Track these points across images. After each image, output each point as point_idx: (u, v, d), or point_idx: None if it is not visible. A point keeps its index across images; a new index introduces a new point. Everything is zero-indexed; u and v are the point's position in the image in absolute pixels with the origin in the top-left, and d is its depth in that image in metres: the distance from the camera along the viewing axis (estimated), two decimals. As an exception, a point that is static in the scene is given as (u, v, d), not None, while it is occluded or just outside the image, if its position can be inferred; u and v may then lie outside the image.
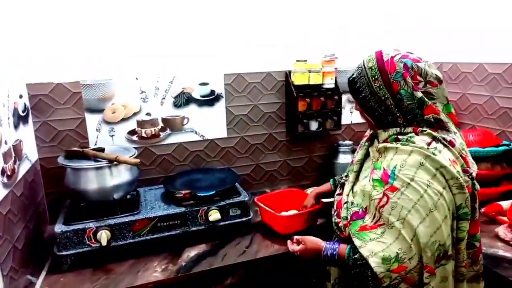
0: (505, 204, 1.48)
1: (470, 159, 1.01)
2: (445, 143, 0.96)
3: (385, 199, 0.94)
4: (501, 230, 1.37)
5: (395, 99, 0.99)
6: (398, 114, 1.00)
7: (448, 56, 2.01)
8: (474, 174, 0.99)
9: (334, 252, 1.04)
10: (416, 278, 0.93)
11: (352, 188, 1.10)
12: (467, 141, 1.63)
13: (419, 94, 0.97)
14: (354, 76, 1.06)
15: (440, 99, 1.01)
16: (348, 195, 1.08)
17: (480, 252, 0.99)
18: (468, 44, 1.91)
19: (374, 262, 0.92)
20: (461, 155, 0.97)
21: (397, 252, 0.91)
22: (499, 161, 1.66)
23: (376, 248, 0.93)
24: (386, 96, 0.99)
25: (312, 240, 1.12)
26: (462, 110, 1.96)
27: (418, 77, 0.98)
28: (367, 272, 0.95)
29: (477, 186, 1.00)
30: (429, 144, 0.94)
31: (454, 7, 1.96)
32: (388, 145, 1.00)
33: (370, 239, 0.96)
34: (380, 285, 0.94)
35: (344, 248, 1.03)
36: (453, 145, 0.96)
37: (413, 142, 0.95)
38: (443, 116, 1.00)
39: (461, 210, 0.93)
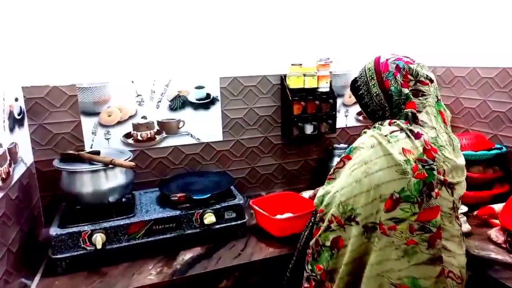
0: (497, 207, 1.49)
1: (443, 153, 1.07)
2: (409, 134, 1.06)
3: (341, 163, 1.15)
4: (493, 233, 1.38)
5: (386, 95, 1.14)
6: (387, 108, 1.16)
7: (441, 60, 2.03)
8: (445, 168, 1.06)
9: None
10: (327, 221, 1.13)
11: None
12: (460, 145, 1.65)
13: (406, 91, 1.11)
14: (356, 77, 1.25)
15: (431, 96, 1.12)
16: None
17: (438, 238, 1.04)
18: (461, 48, 1.94)
19: (317, 196, 1.19)
20: (425, 147, 1.04)
21: (323, 195, 1.16)
22: (491, 164, 1.68)
23: (320, 192, 1.19)
24: (378, 92, 1.16)
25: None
26: (455, 114, 1.98)
27: (409, 77, 1.12)
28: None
29: (445, 178, 1.06)
30: (392, 132, 1.08)
31: (447, 12, 1.98)
32: (366, 130, 1.18)
33: (322, 187, 1.21)
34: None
35: None
36: (418, 137, 1.05)
37: (380, 130, 1.10)
38: (429, 111, 1.11)
39: (403, 193, 1.02)
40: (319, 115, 1.87)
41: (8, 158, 1.23)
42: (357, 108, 2.03)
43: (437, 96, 1.14)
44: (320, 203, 1.17)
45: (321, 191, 1.19)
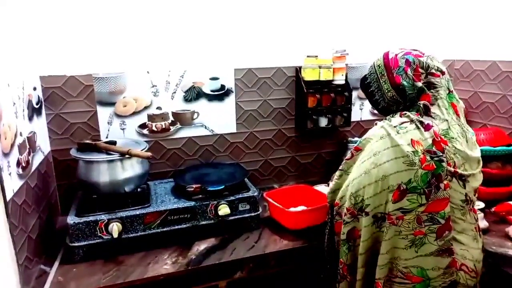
0: (515, 204, 1.47)
1: (454, 145, 1.07)
2: (419, 125, 1.07)
3: (350, 154, 1.17)
4: (511, 230, 1.36)
5: (398, 90, 1.14)
6: (401, 102, 1.16)
7: (460, 54, 1.99)
8: (455, 160, 1.06)
9: None
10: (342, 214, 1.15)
11: None
12: (478, 140, 1.61)
13: (419, 84, 1.11)
14: (365, 74, 1.25)
15: (443, 88, 1.12)
16: None
17: (447, 229, 1.04)
18: (481, 41, 1.89)
19: (327, 192, 1.23)
20: (436, 139, 1.05)
21: (333, 190, 1.19)
22: (510, 160, 1.64)
23: (332, 186, 1.21)
24: (389, 89, 1.16)
25: None
26: (473, 108, 1.94)
27: (420, 70, 1.12)
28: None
29: (455, 170, 1.06)
30: (401, 123, 1.09)
31: (467, 4, 1.93)
32: (377, 121, 1.18)
33: (332, 180, 1.23)
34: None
35: None
36: (427, 129, 1.06)
37: (390, 121, 1.12)
38: (441, 104, 1.11)
39: (410, 184, 1.03)
40: (334, 108, 1.85)
41: (28, 146, 1.24)
42: (373, 101, 2.00)
43: (448, 88, 1.13)
44: (333, 195, 1.19)
45: (331, 185, 1.21)
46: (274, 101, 1.85)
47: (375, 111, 2.00)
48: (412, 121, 1.08)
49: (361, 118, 2.02)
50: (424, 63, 1.12)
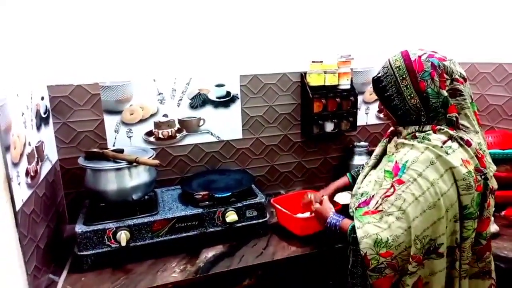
0: (526, 207, 1.45)
1: (488, 159, 1.02)
2: (461, 142, 0.98)
3: (392, 190, 0.98)
4: (523, 234, 1.35)
5: (421, 98, 1.01)
6: (422, 113, 1.03)
7: (465, 56, 1.98)
8: (491, 174, 1.01)
9: (337, 223, 1.11)
10: (400, 263, 0.95)
11: (363, 180, 1.15)
12: (486, 143, 1.60)
13: (444, 93, 1.00)
14: (379, 75, 1.09)
15: (467, 96, 1.03)
16: (359, 188, 1.13)
17: (487, 250, 1.00)
18: (486, 44, 1.88)
19: (366, 243, 0.96)
20: (477, 155, 0.98)
21: (387, 238, 0.94)
22: (519, 163, 1.63)
23: (371, 230, 0.97)
24: (413, 95, 1.02)
25: (327, 206, 1.22)
26: (480, 111, 1.93)
27: (445, 75, 1.00)
28: (360, 251, 0.98)
29: (492, 185, 1.00)
30: (444, 142, 0.97)
31: (472, 6, 1.93)
32: (406, 141, 1.04)
33: (368, 222, 0.99)
34: (367, 268, 0.96)
35: (346, 223, 1.08)
36: (469, 145, 0.98)
37: (429, 140, 0.98)
38: (468, 114, 1.03)
39: (466, 210, 0.95)
40: (340, 113, 1.84)
41: (36, 156, 1.25)
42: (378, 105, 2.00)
43: (471, 96, 1.04)
44: (375, 247, 0.95)
45: (371, 227, 0.97)
46: (280, 106, 1.85)
47: (381, 115, 2.01)
48: (452, 137, 0.97)
49: (366, 123, 2.01)
50: (449, 68, 1.00)
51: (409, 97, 1.03)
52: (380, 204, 0.99)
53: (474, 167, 0.96)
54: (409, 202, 0.94)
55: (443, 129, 0.99)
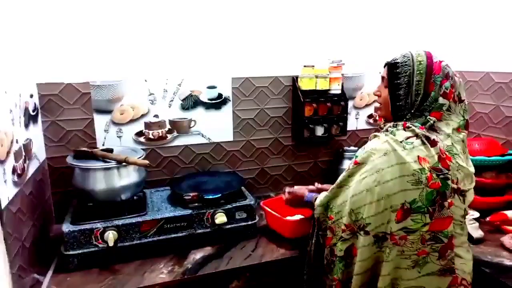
0: (510, 213, 1.48)
1: (459, 161, 1.05)
2: (425, 141, 1.02)
3: (350, 166, 1.12)
4: (506, 239, 1.37)
5: (423, 98, 1.07)
6: (412, 111, 1.08)
7: (454, 65, 2.00)
8: (458, 176, 1.04)
9: (311, 198, 1.25)
10: (336, 230, 1.13)
11: None
12: (472, 150, 1.64)
13: (443, 101, 1.06)
14: (397, 60, 1.11)
15: (455, 114, 1.08)
16: None
17: (450, 249, 1.03)
18: (474, 52, 1.93)
19: (316, 204, 1.19)
20: (440, 155, 1.01)
21: (333, 205, 1.14)
22: (504, 170, 1.66)
23: (324, 199, 1.17)
24: (419, 92, 1.06)
25: (300, 188, 1.37)
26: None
27: (452, 89, 1.07)
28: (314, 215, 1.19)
29: (458, 186, 1.04)
30: (407, 138, 1.03)
31: (460, 16, 1.97)
32: (377, 133, 1.12)
33: (324, 193, 1.19)
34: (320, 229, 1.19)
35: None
36: (434, 145, 1.02)
37: (394, 135, 1.05)
38: (451, 124, 1.08)
39: (414, 204, 0.99)
40: (330, 117, 1.86)
41: (23, 154, 1.23)
42: (368, 111, 2.02)
43: (463, 116, 1.09)
44: (323, 209, 1.16)
45: (321, 198, 1.17)
46: (271, 110, 1.86)
47: (371, 120, 2.04)
48: (417, 135, 1.03)
49: (356, 127, 2.04)
50: (458, 85, 1.08)
51: (415, 92, 1.07)
52: (340, 180, 1.14)
53: (432, 165, 1.00)
54: (356, 181, 1.07)
55: (411, 127, 1.05)
